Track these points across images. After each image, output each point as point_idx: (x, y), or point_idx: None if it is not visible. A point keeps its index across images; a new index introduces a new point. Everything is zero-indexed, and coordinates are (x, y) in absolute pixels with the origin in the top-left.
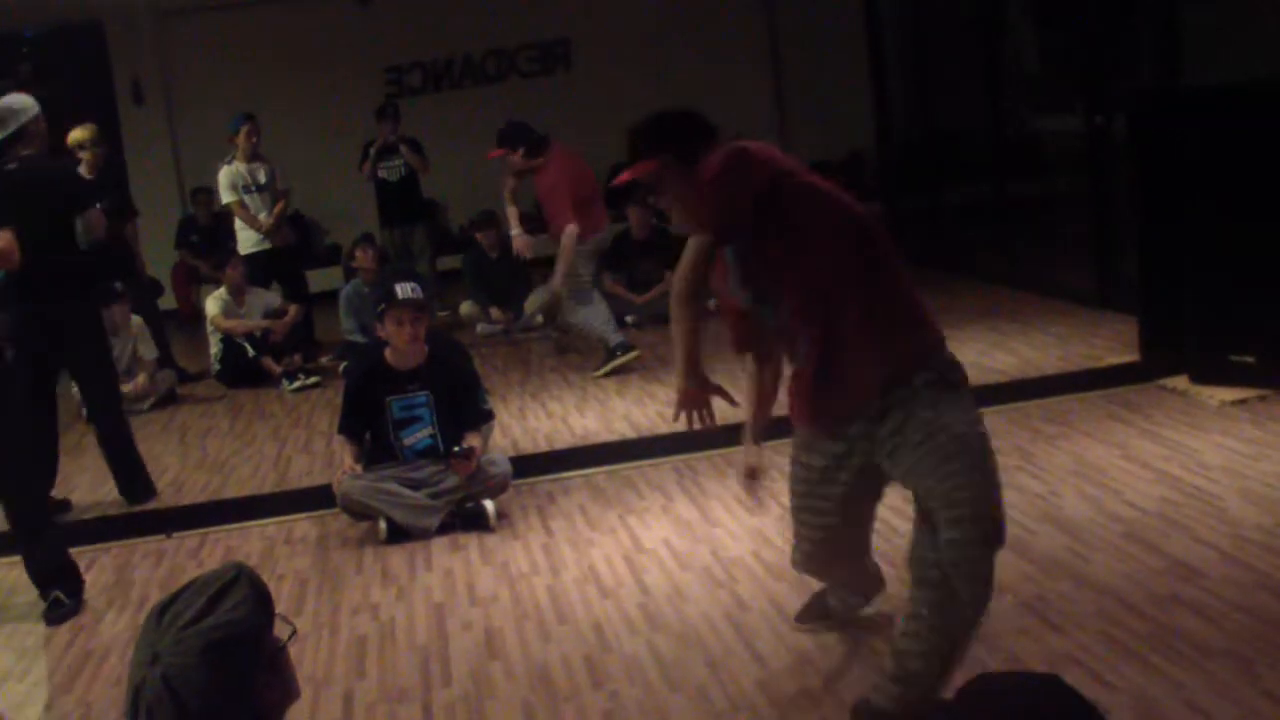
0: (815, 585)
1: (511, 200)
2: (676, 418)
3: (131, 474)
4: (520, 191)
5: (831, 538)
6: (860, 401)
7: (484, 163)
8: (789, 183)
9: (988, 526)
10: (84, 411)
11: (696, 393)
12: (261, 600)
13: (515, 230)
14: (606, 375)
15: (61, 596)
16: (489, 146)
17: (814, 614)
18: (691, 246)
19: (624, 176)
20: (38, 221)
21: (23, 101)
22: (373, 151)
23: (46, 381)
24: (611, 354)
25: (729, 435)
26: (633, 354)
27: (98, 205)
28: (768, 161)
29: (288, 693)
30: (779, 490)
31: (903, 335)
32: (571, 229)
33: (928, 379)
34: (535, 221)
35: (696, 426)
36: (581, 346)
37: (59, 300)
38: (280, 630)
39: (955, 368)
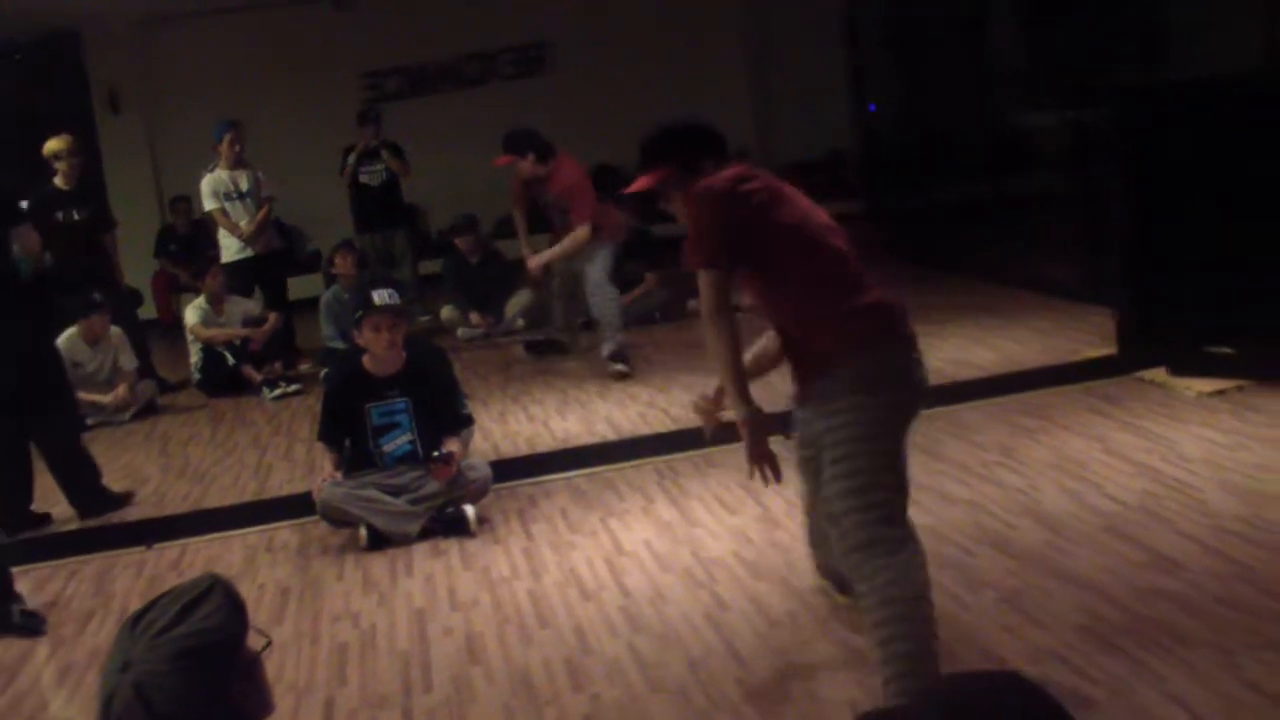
0: (793, 585)
1: (521, 213)
2: (751, 476)
3: (83, 487)
4: (526, 201)
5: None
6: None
7: (464, 167)
8: (757, 223)
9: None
10: None
11: (764, 446)
12: (235, 610)
13: (527, 250)
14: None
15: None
16: (469, 151)
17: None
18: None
19: (635, 185)
20: None
21: None
22: (354, 157)
23: (12, 398)
24: (610, 359)
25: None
26: (623, 375)
27: (28, 222)
28: (737, 200)
29: (263, 704)
30: (757, 490)
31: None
32: (587, 228)
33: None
34: (538, 222)
35: (768, 482)
36: (563, 345)
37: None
38: (255, 641)
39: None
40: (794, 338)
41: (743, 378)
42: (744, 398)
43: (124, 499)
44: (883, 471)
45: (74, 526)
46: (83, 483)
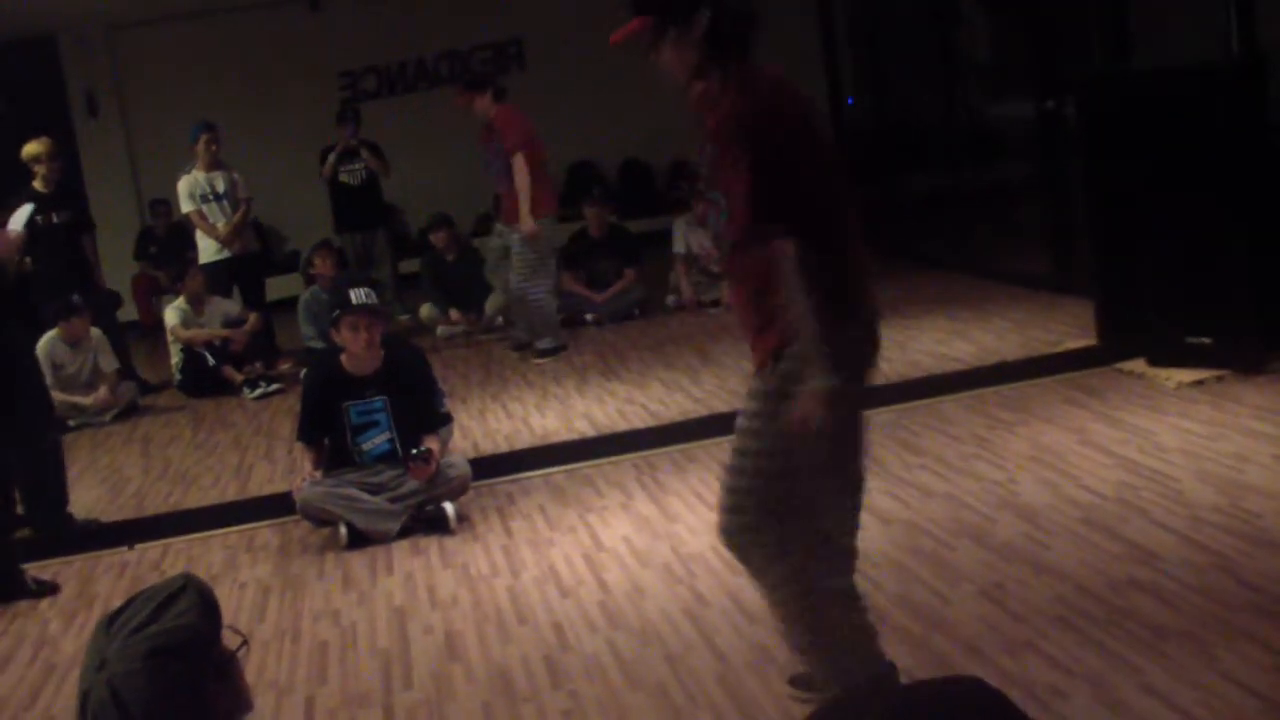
0: None
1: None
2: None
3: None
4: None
5: None
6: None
7: (440, 165)
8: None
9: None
10: None
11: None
12: (208, 608)
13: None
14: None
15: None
16: (445, 149)
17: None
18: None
19: (617, 36)
20: None
21: None
22: (334, 156)
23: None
24: (542, 353)
25: (687, 430)
26: (557, 356)
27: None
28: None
29: (239, 703)
30: None
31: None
32: (522, 163)
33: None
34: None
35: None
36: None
37: None
38: (232, 640)
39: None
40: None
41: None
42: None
43: (88, 526)
44: None
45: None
46: (45, 500)
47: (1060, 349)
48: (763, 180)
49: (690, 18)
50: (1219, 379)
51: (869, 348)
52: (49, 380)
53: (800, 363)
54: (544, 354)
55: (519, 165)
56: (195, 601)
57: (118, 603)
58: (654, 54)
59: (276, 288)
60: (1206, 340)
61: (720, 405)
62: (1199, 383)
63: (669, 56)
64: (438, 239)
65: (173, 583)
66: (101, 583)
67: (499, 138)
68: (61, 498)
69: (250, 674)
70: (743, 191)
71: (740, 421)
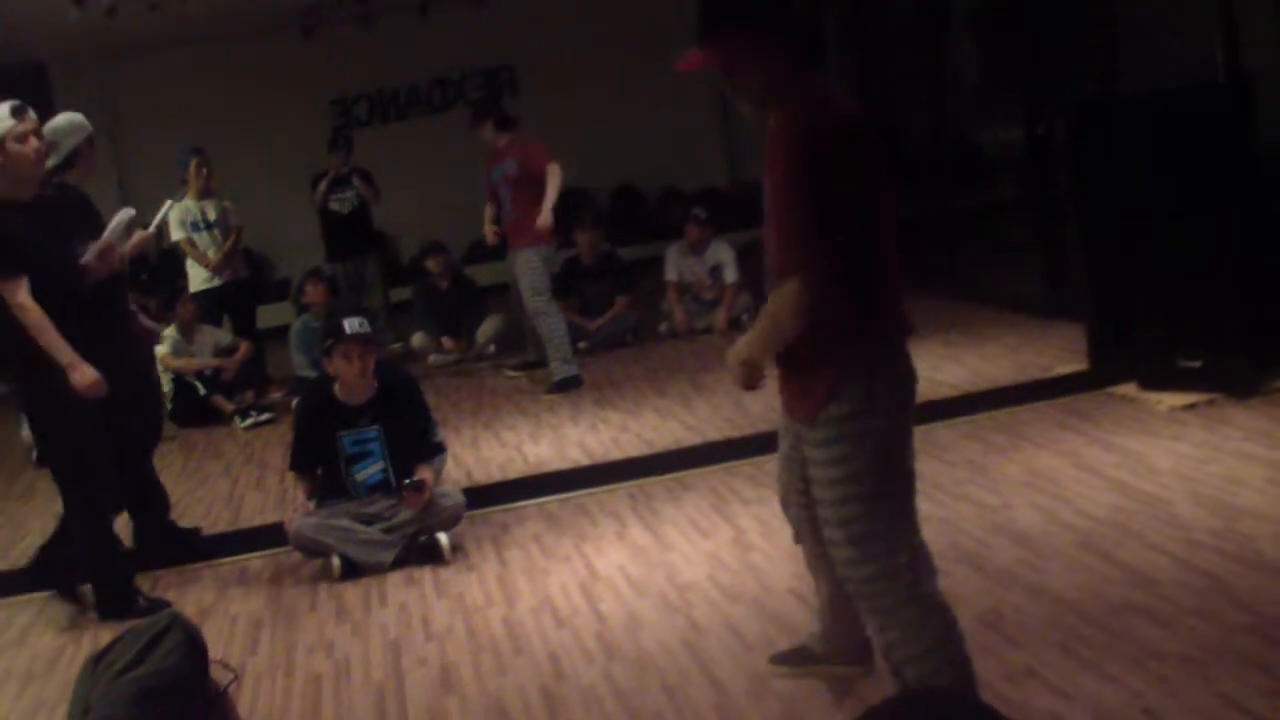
0: (769, 608)
1: (493, 203)
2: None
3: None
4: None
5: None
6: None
7: (432, 193)
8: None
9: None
10: (34, 455)
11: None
12: (194, 647)
13: (489, 230)
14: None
15: None
16: (436, 176)
17: (791, 661)
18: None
19: (683, 64)
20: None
21: (75, 120)
22: (325, 184)
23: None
24: (562, 384)
25: (681, 459)
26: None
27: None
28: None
29: None
30: (732, 513)
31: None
32: (554, 165)
33: (826, 421)
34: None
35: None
36: (538, 365)
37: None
38: (221, 676)
39: (866, 401)
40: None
41: None
42: None
43: (192, 536)
44: None
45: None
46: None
47: (1052, 373)
48: (813, 217)
49: (769, 39)
50: (1211, 402)
51: (911, 379)
52: None
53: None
54: (556, 388)
55: (554, 173)
56: (181, 641)
57: (106, 637)
58: (724, 83)
59: (268, 316)
60: (1198, 363)
61: (714, 433)
62: (1191, 406)
63: (746, 83)
64: (434, 263)
65: (157, 621)
66: (93, 615)
67: (514, 155)
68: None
69: (243, 708)
70: (792, 225)
71: (819, 483)
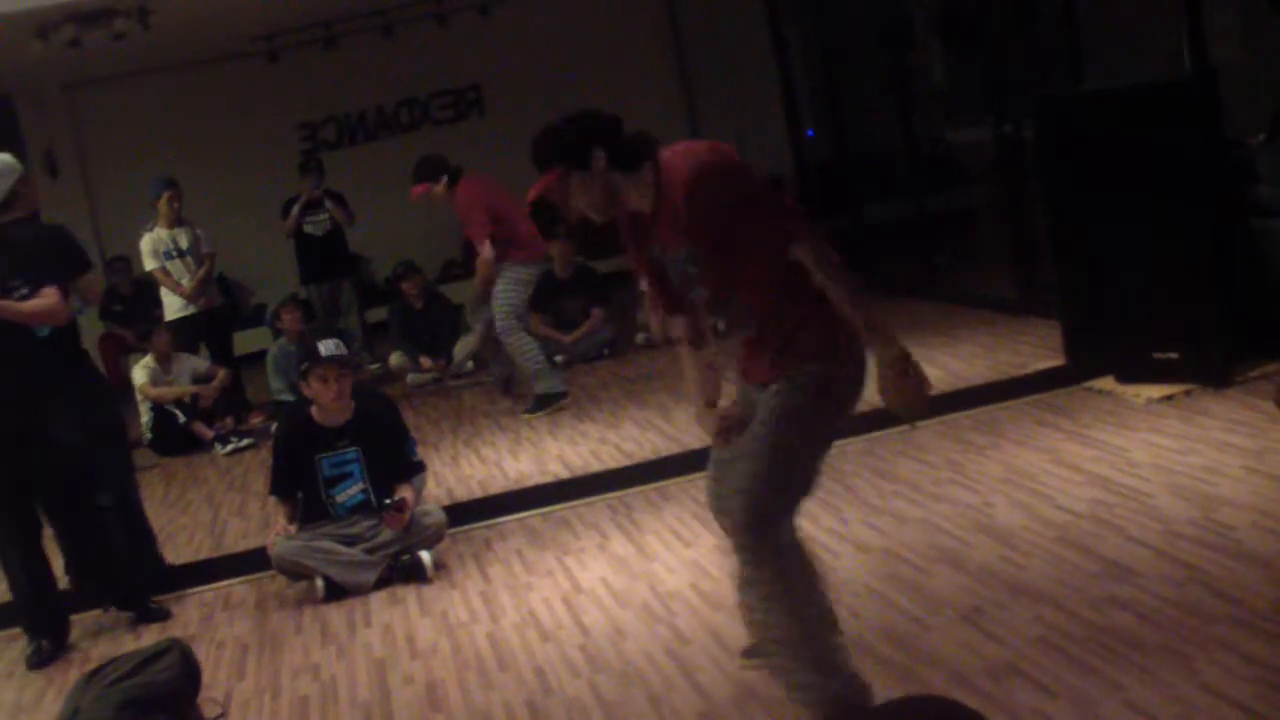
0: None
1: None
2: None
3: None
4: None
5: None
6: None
7: (405, 214)
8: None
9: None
10: None
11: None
12: (189, 669)
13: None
14: (534, 416)
15: None
16: (406, 198)
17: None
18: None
19: (532, 193)
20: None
21: (6, 162)
22: (297, 207)
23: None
24: (542, 401)
25: (660, 468)
26: (563, 402)
27: (93, 270)
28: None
29: None
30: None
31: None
32: (488, 247)
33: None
34: (460, 267)
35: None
36: (523, 380)
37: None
38: (210, 710)
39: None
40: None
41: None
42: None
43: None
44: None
45: None
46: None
47: (1029, 370)
48: (760, 204)
49: (587, 161)
50: (1187, 393)
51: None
52: None
53: (875, 337)
54: (536, 407)
55: (483, 253)
56: (177, 661)
57: (93, 664)
58: (567, 199)
59: (244, 342)
60: (1173, 355)
61: (693, 442)
62: (1168, 398)
63: (581, 199)
64: (409, 286)
65: (159, 644)
66: (78, 645)
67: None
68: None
69: None
70: (758, 207)
71: (757, 429)
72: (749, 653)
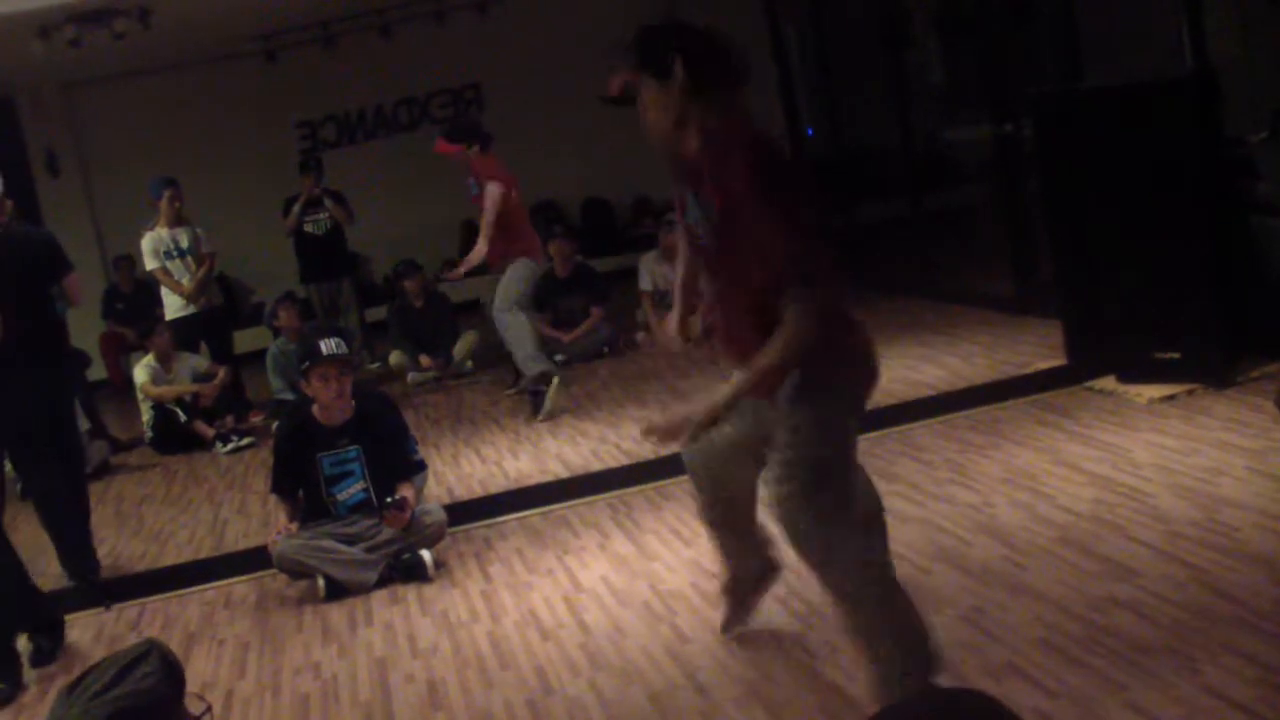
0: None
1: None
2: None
3: (81, 548)
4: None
5: (720, 476)
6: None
7: (401, 212)
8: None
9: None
10: (19, 488)
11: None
12: (171, 672)
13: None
14: (524, 390)
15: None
16: (405, 196)
17: (736, 620)
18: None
19: (612, 87)
20: (21, 288)
21: None
22: (297, 206)
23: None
24: (535, 394)
25: (661, 468)
26: (554, 384)
27: (73, 272)
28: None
29: None
30: None
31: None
32: (494, 188)
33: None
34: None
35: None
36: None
37: (38, 367)
38: (194, 705)
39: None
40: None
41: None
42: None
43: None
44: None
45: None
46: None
47: (1029, 370)
48: (794, 228)
49: (668, 70)
50: (1190, 393)
51: (870, 381)
52: None
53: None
54: (533, 402)
55: (490, 195)
56: (158, 665)
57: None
58: (640, 111)
59: (244, 341)
60: (1175, 355)
61: None
62: (1170, 397)
63: (652, 110)
64: (411, 284)
65: (136, 647)
66: (79, 643)
67: (475, 177)
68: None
69: None
70: (774, 241)
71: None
72: (728, 625)
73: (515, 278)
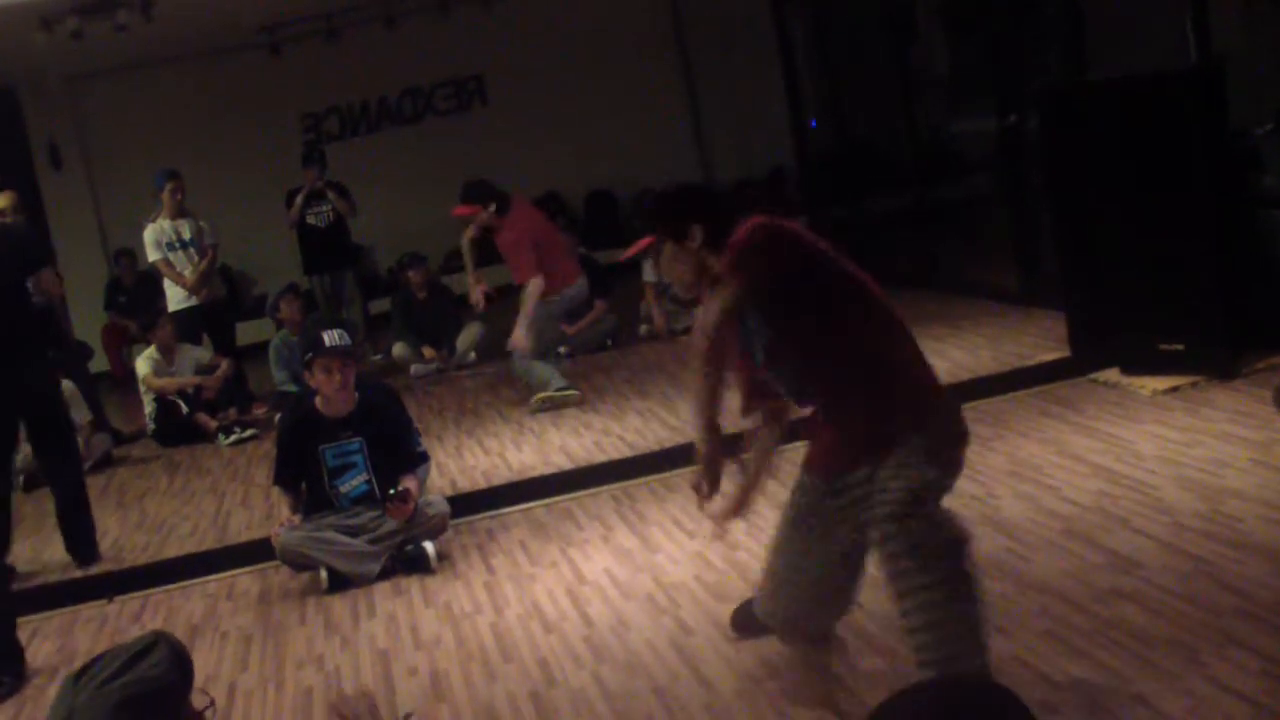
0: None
1: (471, 250)
2: (698, 487)
3: (82, 536)
4: (479, 244)
5: (802, 581)
6: (855, 455)
7: (404, 204)
8: (816, 268)
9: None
10: (19, 480)
11: (714, 455)
12: (179, 661)
13: (472, 279)
14: (538, 411)
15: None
16: (408, 187)
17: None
18: (714, 306)
19: (630, 252)
20: None
21: None
22: (300, 198)
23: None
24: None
25: (664, 460)
26: (571, 392)
27: (47, 269)
28: (795, 242)
29: None
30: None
31: (890, 401)
32: (536, 282)
33: (910, 449)
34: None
35: (705, 494)
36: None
37: (18, 361)
38: (200, 701)
39: (943, 435)
40: (846, 401)
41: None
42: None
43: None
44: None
45: (36, 583)
46: (86, 531)
47: (1033, 362)
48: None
49: (685, 232)
50: (1194, 385)
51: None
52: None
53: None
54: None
55: (532, 289)
56: (167, 654)
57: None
58: (661, 265)
59: (247, 333)
60: (1179, 347)
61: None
62: (1174, 389)
63: (672, 268)
64: (415, 275)
65: (144, 639)
66: (81, 636)
67: (509, 256)
68: (92, 525)
69: None
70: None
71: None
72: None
73: (545, 321)
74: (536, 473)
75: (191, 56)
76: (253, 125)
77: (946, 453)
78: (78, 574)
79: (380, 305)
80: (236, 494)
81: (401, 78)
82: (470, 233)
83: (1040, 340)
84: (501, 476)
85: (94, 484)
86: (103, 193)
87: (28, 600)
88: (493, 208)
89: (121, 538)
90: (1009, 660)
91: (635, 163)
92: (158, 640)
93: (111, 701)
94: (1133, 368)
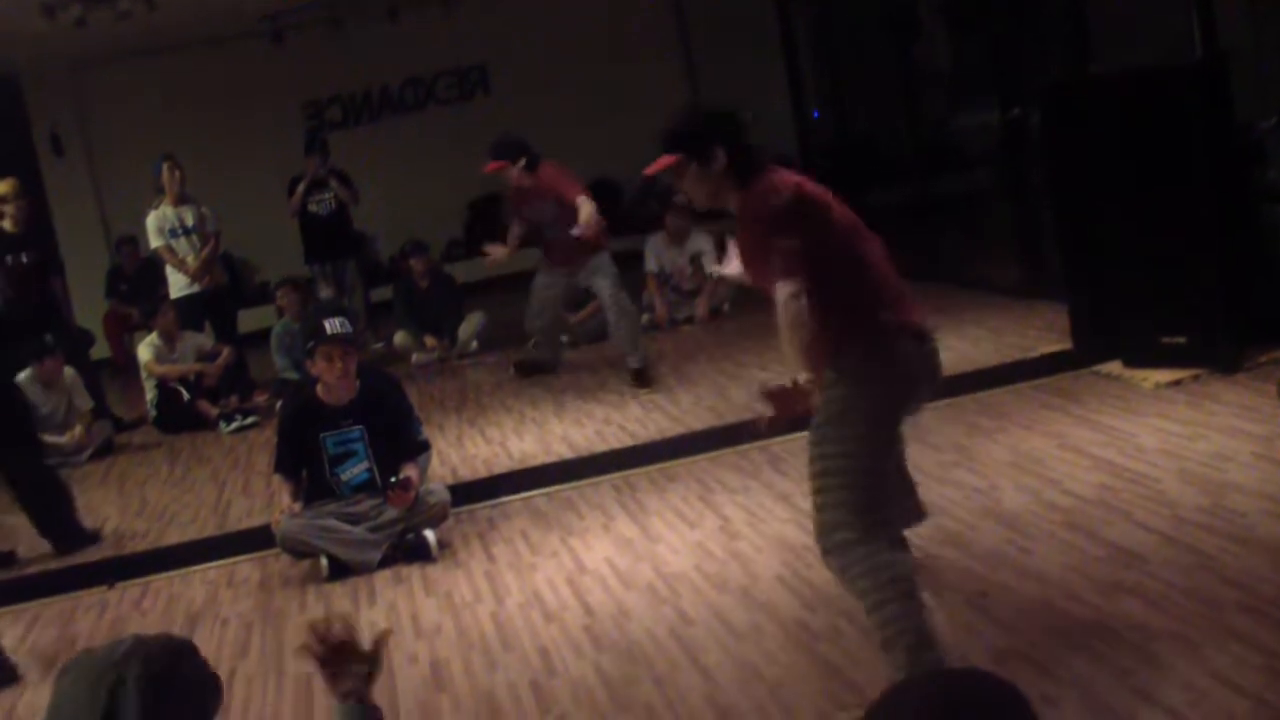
0: (756, 596)
1: (518, 223)
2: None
3: (53, 522)
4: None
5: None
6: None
7: (407, 193)
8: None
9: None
10: None
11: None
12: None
13: (514, 244)
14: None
15: None
16: (411, 176)
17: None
18: (785, 311)
19: (651, 170)
20: None
21: None
22: (302, 186)
23: None
24: (639, 377)
25: (665, 449)
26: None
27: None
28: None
29: None
30: (717, 502)
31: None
32: (588, 202)
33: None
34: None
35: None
36: (545, 366)
37: None
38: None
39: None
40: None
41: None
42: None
43: (94, 535)
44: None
45: (37, 569)
46: (55, 516)
47: (1036, 354)
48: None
49: (709, 155)
50: (1196, 378)
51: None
52: None
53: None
54: (641, 375)
55: (586, 206)
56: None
57: (100, 644)
58: (678, 183)
59: (249, 320)
60: (1182, 340)
61: (697, 423)
62: (1177, 383)
63: (690, 188)
64: (417, 263)
65: (173, 638)
66: (82, 623)
67: (552, 196)
68: (70, 506)
69: (236, 711)
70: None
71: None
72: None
73: (608, 264)
74: (538, 461)
75: (194, 44)
76: (255, 113)
77: (869, 374)
78: (78, 560)
79: (382, 294)
80: (237, 481)
81: (404, 67)
82: (515, 232)
83: (1042, 333)
84: (502, 465)
85: (95, 471)
86: (104, 180)
87: (28, 587)
88: (522, 163)
89: (122, 524)
90: (1009, 653)
91: (638, 152)
92: (192, 646)
93: (165, 647)
94: (1135, 361)
